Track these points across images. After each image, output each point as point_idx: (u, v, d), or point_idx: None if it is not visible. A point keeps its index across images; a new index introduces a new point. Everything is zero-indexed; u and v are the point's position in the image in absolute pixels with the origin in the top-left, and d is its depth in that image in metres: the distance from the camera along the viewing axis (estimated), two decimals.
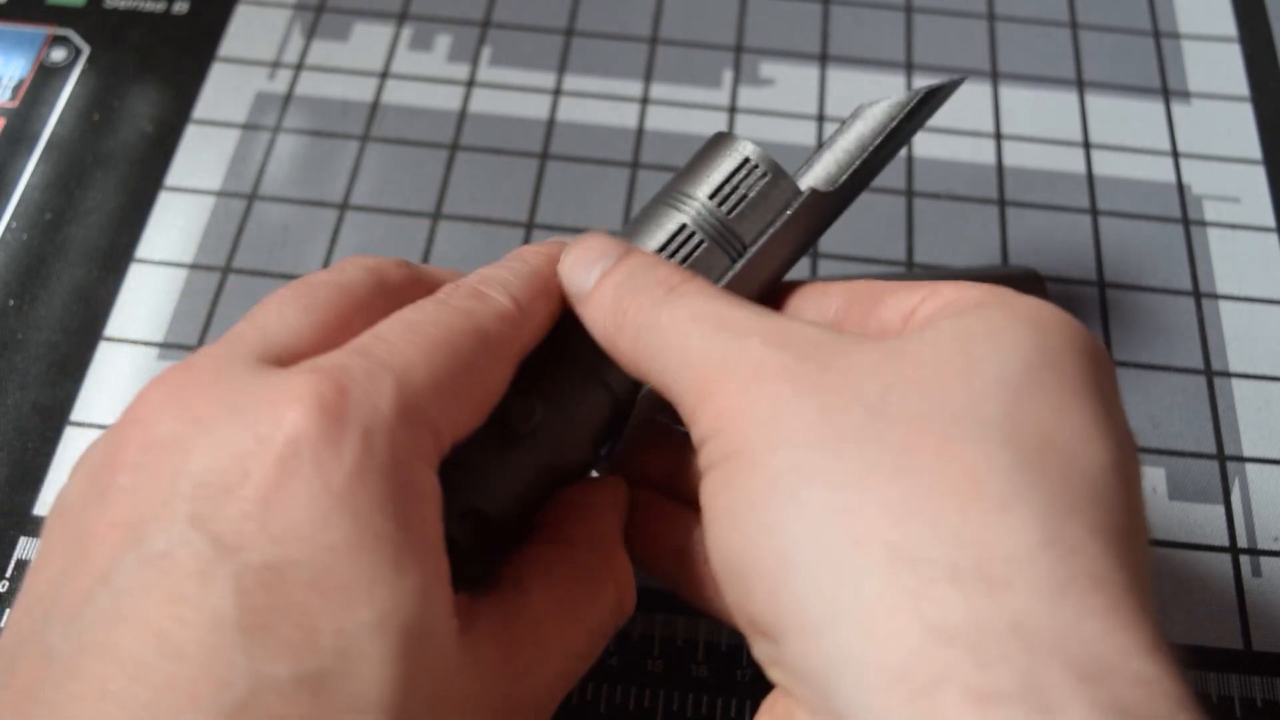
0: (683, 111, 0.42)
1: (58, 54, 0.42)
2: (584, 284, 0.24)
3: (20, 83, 0.41)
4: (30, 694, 0.18)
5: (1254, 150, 0.41)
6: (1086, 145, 0.41)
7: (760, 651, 0.20)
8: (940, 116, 0.42)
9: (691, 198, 0.26)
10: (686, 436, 0.25)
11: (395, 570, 0.19)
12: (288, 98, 0.42)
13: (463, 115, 0.41)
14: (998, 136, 0.41)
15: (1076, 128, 0.42)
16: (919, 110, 0.27)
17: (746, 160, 0.26)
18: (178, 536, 0.18)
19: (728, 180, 0.26)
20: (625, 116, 0.41)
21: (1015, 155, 0.41)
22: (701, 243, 0.25)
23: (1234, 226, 0.39)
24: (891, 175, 0.40)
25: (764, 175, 0.26)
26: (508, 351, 0.23)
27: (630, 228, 0.26)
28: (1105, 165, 0.41)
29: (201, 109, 0.41)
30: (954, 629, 0.16)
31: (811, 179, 0.27)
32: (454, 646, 0.20)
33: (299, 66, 0.42)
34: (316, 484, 0.19)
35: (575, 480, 0.26)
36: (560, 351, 0.25)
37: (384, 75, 0.42)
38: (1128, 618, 0.17)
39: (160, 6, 0.44)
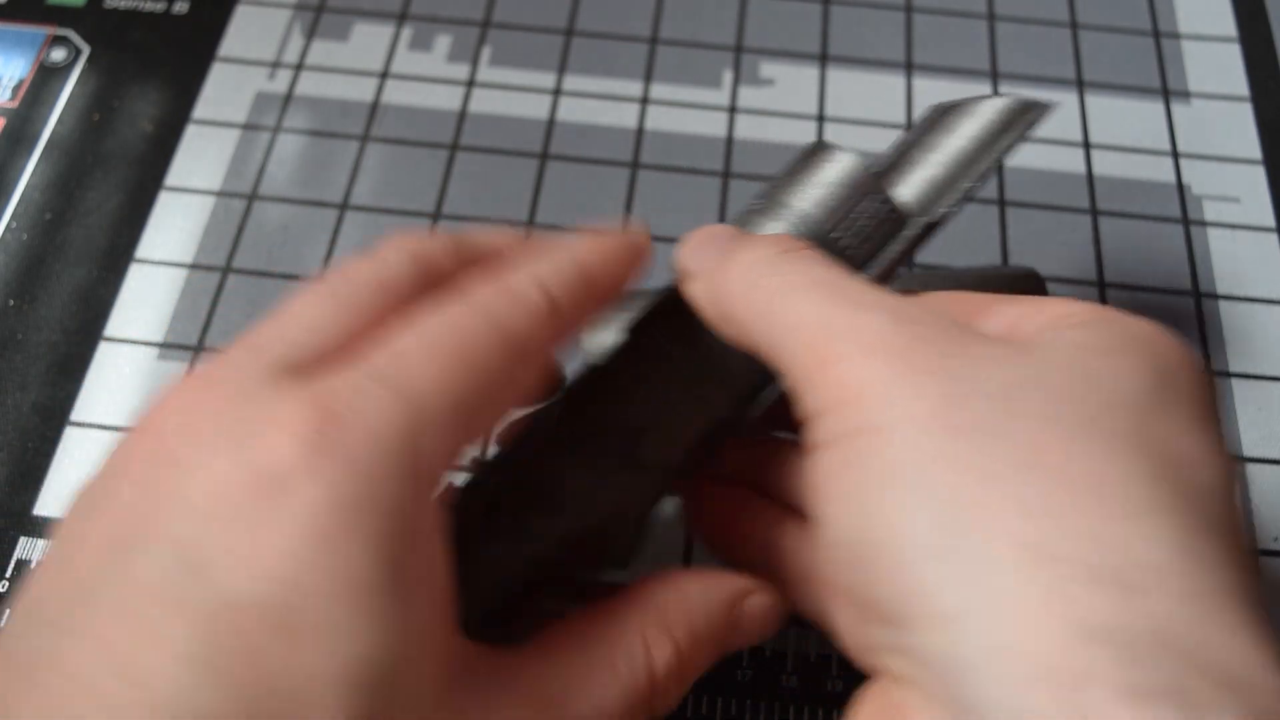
0: (683, 111, 0.42)
1: (58, 54, 0.42)
2: (702, 263, 0.24)
3: (20, 83, 0.41)
4: None
5: (1254, 150, 0.41)
6: (1086, 145, 0.41)
7: (874, 637, 0.20)
8: None
9: (810, 221, 0.25)
10: (771, 439, 0.25)
11: (372, 618, 0.18)
12: (288, 98, 0.42)
13: (463, 115, 0.41)
14: None
15: (1076, 128, 0.42)
16: (1026, 132, 0.26)
17: (874, 196, 0.25)
18: (157, 561, 0.18)
19: (849, 210, 0.25)
20: (625, 116, 0.41)
21: (1015, 155, 0.41)
22: None
23: (1234, 226, 0.39)
24: None
25: (883, 205, 0.25)
26: (537, 354, 0.22)
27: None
28: (1105, 165, 0.41)
29: (201, 109, 0.41)
30: (1098, 628, 0.16)
31: (916, 201, 0.26)
32: (432, 699, 0.19)
33: (299, 66, 0.42)
34: (299, 520, 0.18)
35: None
36: (677, 386, 0.25)
37: (384, 75, 0.42)
38: (1261, 634, 0.17)
39: (160, 6, 0.44)
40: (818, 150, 0.26)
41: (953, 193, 0.26)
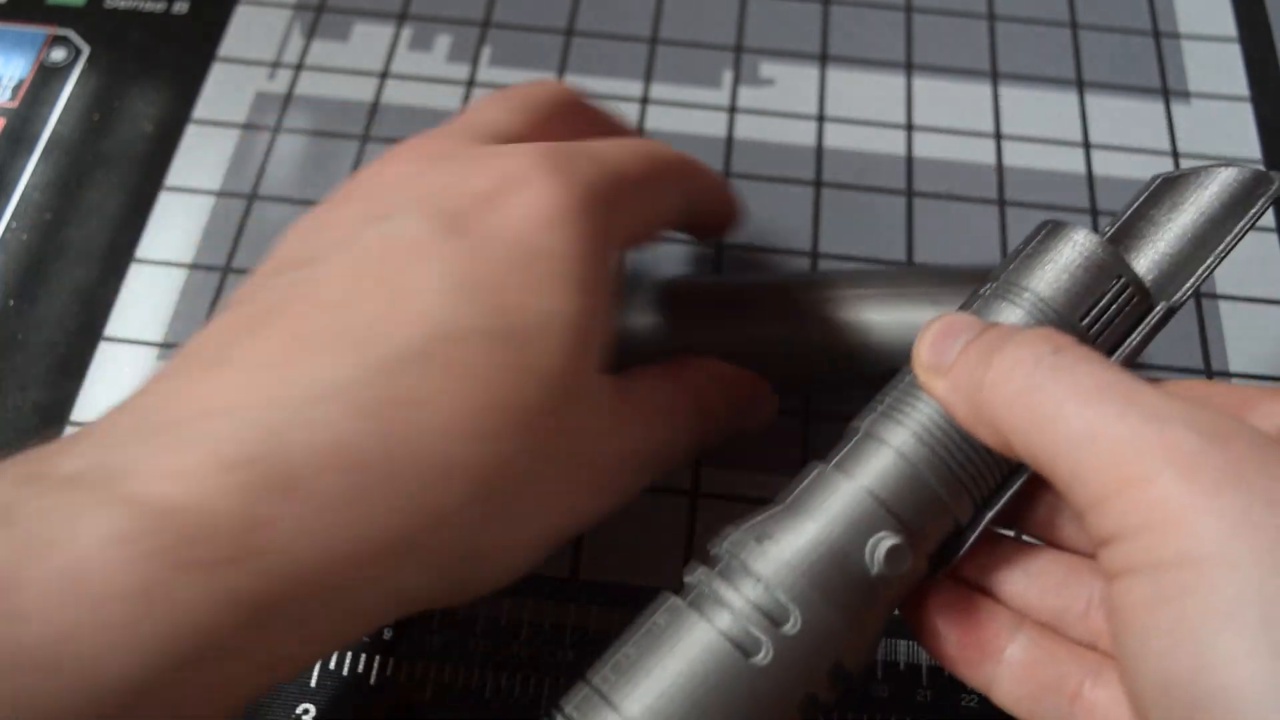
0: (683, 111, 0.42)
1: (58, 54, 0.42)
2: (946, 357, 0.23)
3: (20, 83, 0.41)
4: (249, 325, 0.22)
5: (1254, 150, 0.41)
6: (1086, 145, 0.41)
7: None
8: (940, 117, 0.42)
9: (1055, 307, 0.24)
10: (1006, 539, 0.25)
11: (583, 290, 0.23)
12: (288, 98, 0.42)
13: None
14: (998, 136, 0.41)
15: (1076, 128, 0.42)
16: (1266, 205, 0.24)
17: (1121, 280, 0.24)
18: (413, 218, 0.23)
19: (1097, 296, 0.24)
20: (625, 116, 0.41)
21: (1015, 155, 0.41)
22: None
23: None
24: (891, 175, 0.40)
25: (1132, 296, 0.24)
26: (680, 191, 0.28)
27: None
28: (1105, 165, 0.41)
29: (201, 109, 0.41)
30: None
31: (1155, 282, 0.24)
32: (597, 378, 0.24)
33: (299, 66, 0.42)
34: (536, 204, 0.23)
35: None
36: (915, 485, 0.23)
37: (384, 75, 0.42)
38: None
39: (160, 6, 0.44)
40: (1052, 229, 0.25)
41: (1195, 272, 0.24)
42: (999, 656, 0.24)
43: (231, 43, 0.43)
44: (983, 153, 0.41)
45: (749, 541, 0.23)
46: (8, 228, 0.38)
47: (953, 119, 0.42)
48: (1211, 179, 0.25)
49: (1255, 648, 0.17)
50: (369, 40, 0.43)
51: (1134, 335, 0.24)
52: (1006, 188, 0.40)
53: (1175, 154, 0.41)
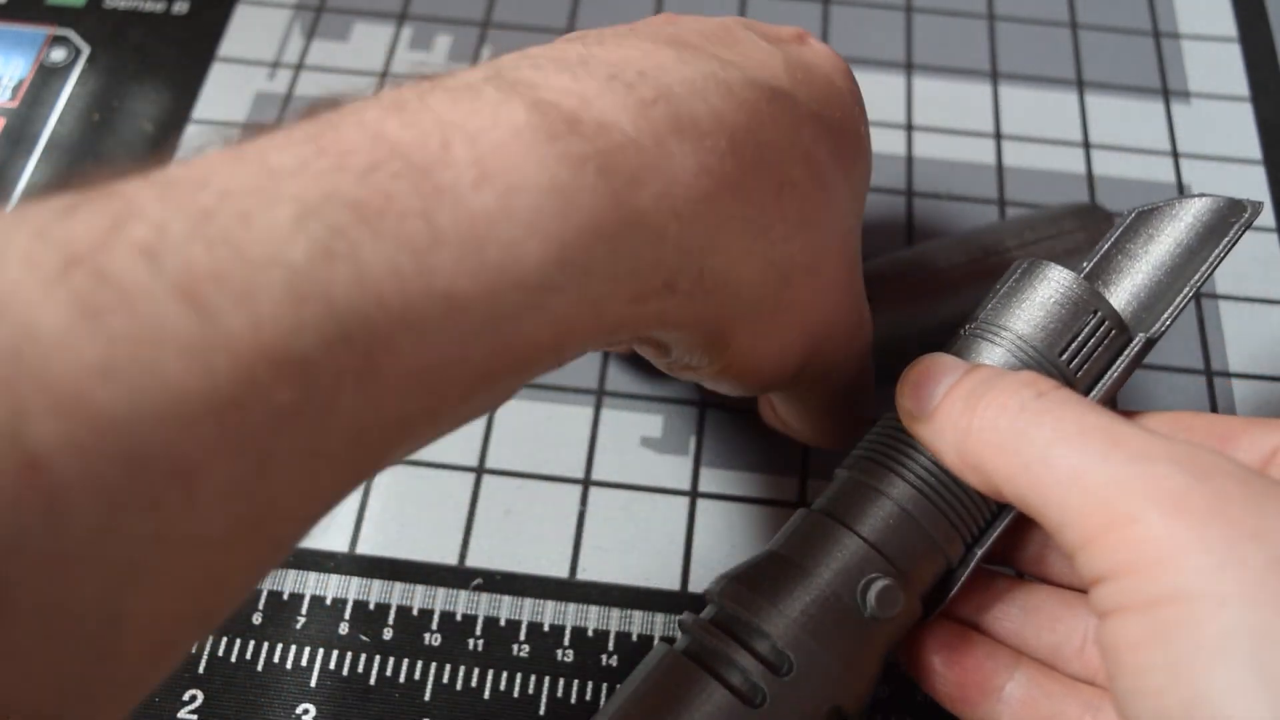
0: None
1: (58, 54, 0.42)
2: (927, 404, 0.23)
3: (20, 83, 0.41)
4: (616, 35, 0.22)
5: (1254, 150, 0.41)
6: (1086, 145, 0.41)
7: None
8: (940, 116, 0.42)
9: (1035, 345, 0.24)
10: (995, 573, 0.25)
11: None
12: (288, 98, 0.42)
13: None
14: (998, 136, 0.41)
15: (1076, 128, 0.42)
16: (1240, 233, 0.25)
17: (1098, 315, 0.24)
18: (701, 56, 0.22)
19: (1075, 332, 0.24)
20: None
21: (1015, 155, 0.41)
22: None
23: None
24: (891, 175, 0.40)
25: (1110, 330, 0.24)
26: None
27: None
28: (1105, 165, 0.41)
29: (201, 109, 0.41)
30: None
31: (1133, 315, 0.25)
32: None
33: (299, 66, 0.42)
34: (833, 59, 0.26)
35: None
36: (904, 528, 0.24)
37: (384, 75, 0.42)
38: None
39: (160, 6, 0.44)
40: (1029, 267, 0.25)
41: (1173, 303, 0.25)
42: (998, 695, 0.24)
43: (231, 43, 0.43)
44: (983, 153, 0.41)
45: (744, 592, 0.23)
46: None
47: (953, 119, 0.42)
48: (1185, 210, 0.25)
49: (1246, 683, 0.17)
50: (369, 40, 0.43)
51: (1114, 368, 0.24)
52: (1006, 188, 0.40)
53: (1175, 154, 0.41)
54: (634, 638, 0.30)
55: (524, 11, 0.44)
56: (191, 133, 0.40)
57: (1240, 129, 0.42)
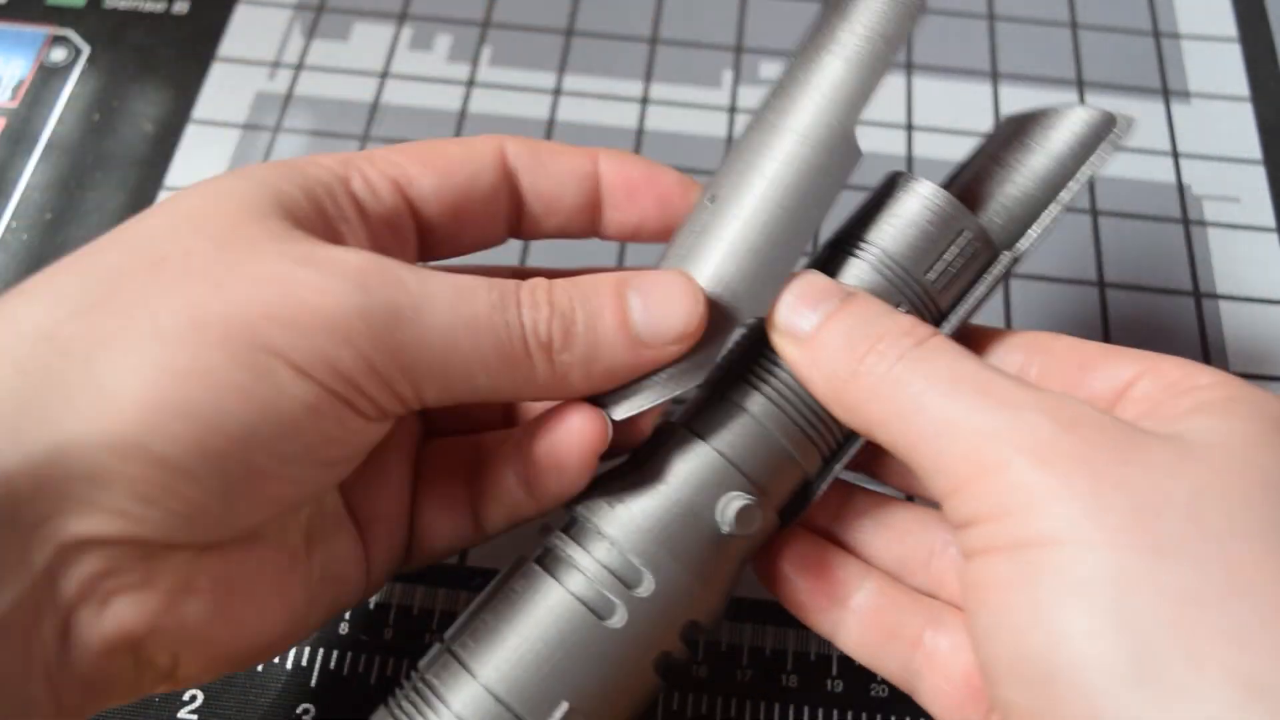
0: (683, 111, 0.42)
1: (58, 54, 0.42)
2: (804, 324, 0.23)
3: (20, 83, 0.41)
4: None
5: (1254, 150, 0.41)
6: None
7: None
8: (940, 116, 0.42)
9: (902, 262, 0.24)
10: (854, 488, 0.25)
11: None
12: (288, 98, 0.42)
13: (463, 115, 0.41)
14: None
15: None
16: (1113, 149, 0.25)
17: (965, 233, 0.24)
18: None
19: (941, 250, 0.24)
20: (625, 116, 0.41)
21: None
22: (906, 312, 0.24)
23: (1234, 226, 0.39)
24: None
25: (977, 246, 0.24)
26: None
27: (765, 245, 0.24)
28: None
29: (201, 109, 0.41)
30: None
31: (1003, 229, 0.25)
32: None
33: (299, 66, 0.42)
34: None
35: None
36: (764, 444, 0.24)
37: (384, 75, 0.42)
38: None
39: (160, 6, 0.44)
40: (897, 181, 0.25)
41: (1040, 218, 0.24)
42: (846, 604, 0.25)
43: (231, 43, 0.43)
44: None
45: (601, 504, 0.23)
46: (8, 228, 0.38)
47: (952, 119, 0.42)
48: (1059, 120, 0.25)
49: (1106, 626, 0.18)
50: (369, 40, 0.43)
51: (978, 285, 0.24)
52: None
53: (1175, 154, 0.41)
54: None
55: (524, 11, 0.44)
56: (191, 133, 0.40)
57: (1240, 129, 0.42)
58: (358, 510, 0.25)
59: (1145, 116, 0.42)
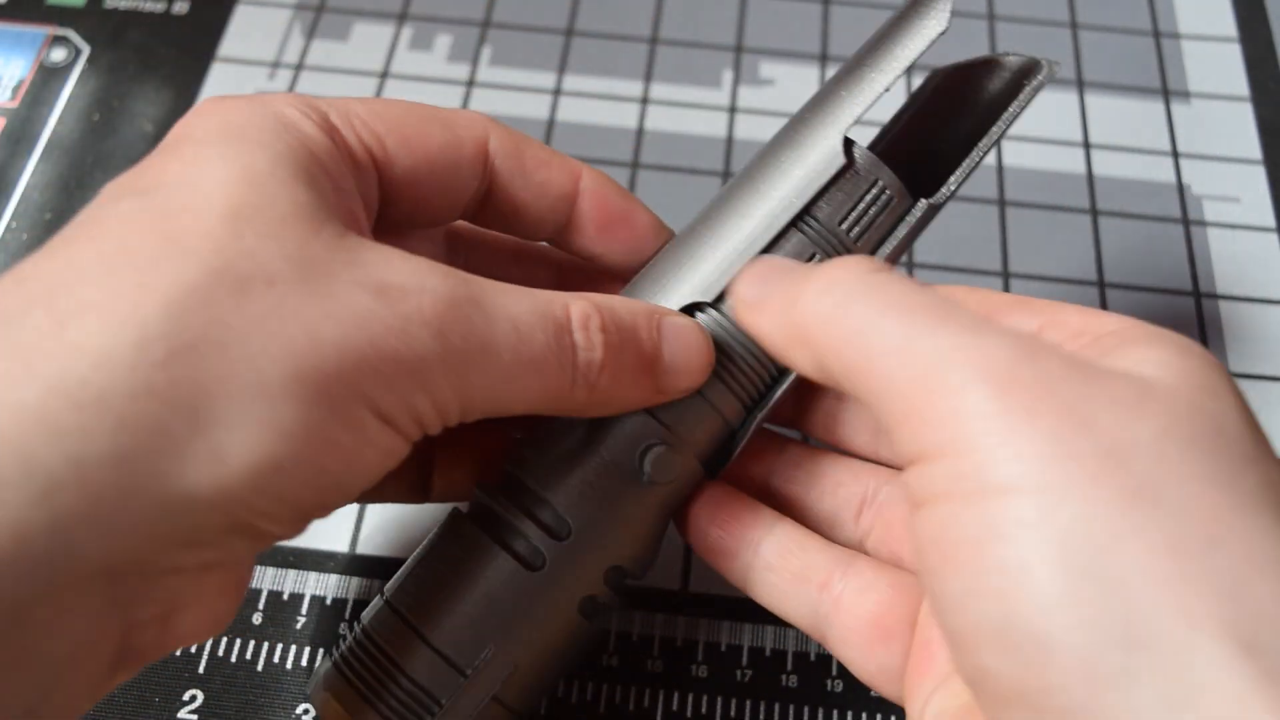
0: (683, 111, 0.42)
1: (58, 54, 0.42)
2: (764, 291, 0.23)
3: (20, 83, 0.41)
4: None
5: (1254, 150, 0.41)
6: (1086, 145, 0.41)
7: (993, 713, 0.18)
8: None
9: (819, 223, 0.24)
10: (788, 440, 0.26)
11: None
12: None
13: None
14: None
15: (1076, 128, 0.42)
16: (1033, 96, 0.25)
17: (879, 184, 0.25)
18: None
19: (856, 201, 0.25)
20: (625, 116, 0.41)
21: (1016, 155, 0.41)
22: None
23: (1234, 226, 0.39)
24: None
25: (890, 197, 0.25)
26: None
27: (699, 241, 0.25)
28: (1105, 165, 0.41)
29: None
30: None
31: (926, 178, 0.25)
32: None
33: (299, 66, 0.42)
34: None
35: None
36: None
37: (384, 75, 0.42)
38: None
39: (160, 6, 0.44)
40: (842, 155, 0.25)
41: (963, 166, 0.25)
42: (755, 549, 0.25)
43: (231, 43, 0.43)
44: None
45: (529, 459, 0.25)
46: (8, 228, 0.38)
47: None
48: (985, 70, 0.26)
49: (1089, 584, 0.17)
50: (369, 40, 0.43)
51: (894, 235, 0.25)
52: (1007, 188, 0.40)
53: (1175, 154, 0.41)
54: (634, 637, 0.30)
55: (524, 11, 0.44)
56: None
57: (1240, 129, 0.42)
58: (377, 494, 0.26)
59: (1145, 116, 0.42)
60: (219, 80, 0.42)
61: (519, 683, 0.24)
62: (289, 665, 0.29)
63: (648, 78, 0.42)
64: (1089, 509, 0.17)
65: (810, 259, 0.24)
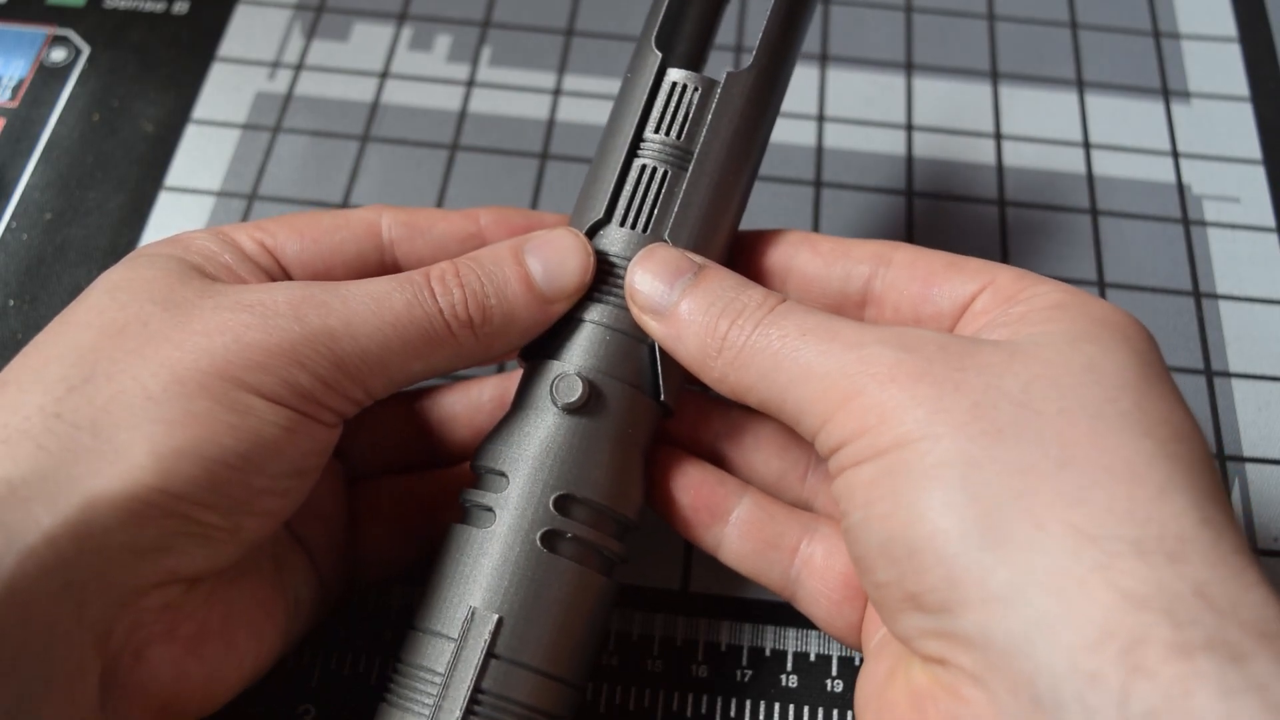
0: None
1: (58, 54, 0.42)
2: (663, 301, 0.25)
3: (20, 83, 0.41)
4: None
5: (1254, 150, 0.41)
6: (1086, 145, 0.41)
7: (914, 625, 0.21)
8: (940, 116, 0.42)
9: (643, 139, 0.27)
10: (733, 406, 0.28)
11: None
12: (288, 98, 0.42)
13: (463, 115, 0.41)
14: (998, 136, 0.41)
15: (1076, 128, 0.42)
16: None
17: (675, 85, 0.27)
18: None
19: (665, 110, 0.27)
20: None
21: (1015, 155, 0.41)
22: (665, 173, 0.27)
23: (1234, 226, 0.39)
24: (891, 175, 0.40)
25: (694, 90, 0.27)
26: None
27: (589, 178, 0.28)
28: (1105, 165, 0.41)
29: (201, 109, 0.41)
30: (1145, 595, 0.18)
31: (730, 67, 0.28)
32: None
33: (299, 66, 0.42)
34: None
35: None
36: (595, 334, 0.26)
37: (384, 75, 0.42)
38: (1272, 589, 0.19)
39: (160, 6, 0.44)
40: (641, 69, 0.28)
41: (759, 48, 0.28)
42: (726, 518, 0.27)
43: (231, 43, 0.43)
44: (983, 153, 0.41)
45: (483, 446, 0.27)
46: (8, 228, 0.38)
47: (953, 119, 0.42)
48: None
49: (955, 499, 0.20)
50: (369, 40, 0.43)
51: (708, 114, 0.27)
52: (1007, 188, 0.40)
53: (1175, 154, 0.41)
54: (634, 637, 0.30)
55: (524, 11, 0.44)
56: (191, 133, 0.40)
57: (1240, 129, 0.42)
58: (305, 542, 0.28)
59: (1145, 116, 0.42)
60: (219, 80, 0.42)
61: (518, 634, 0.24)
62: (289, 665, 0.29)
63: None
64: (957, 445, 0.21)
65: (652, 172, 0.27)
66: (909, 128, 0.41)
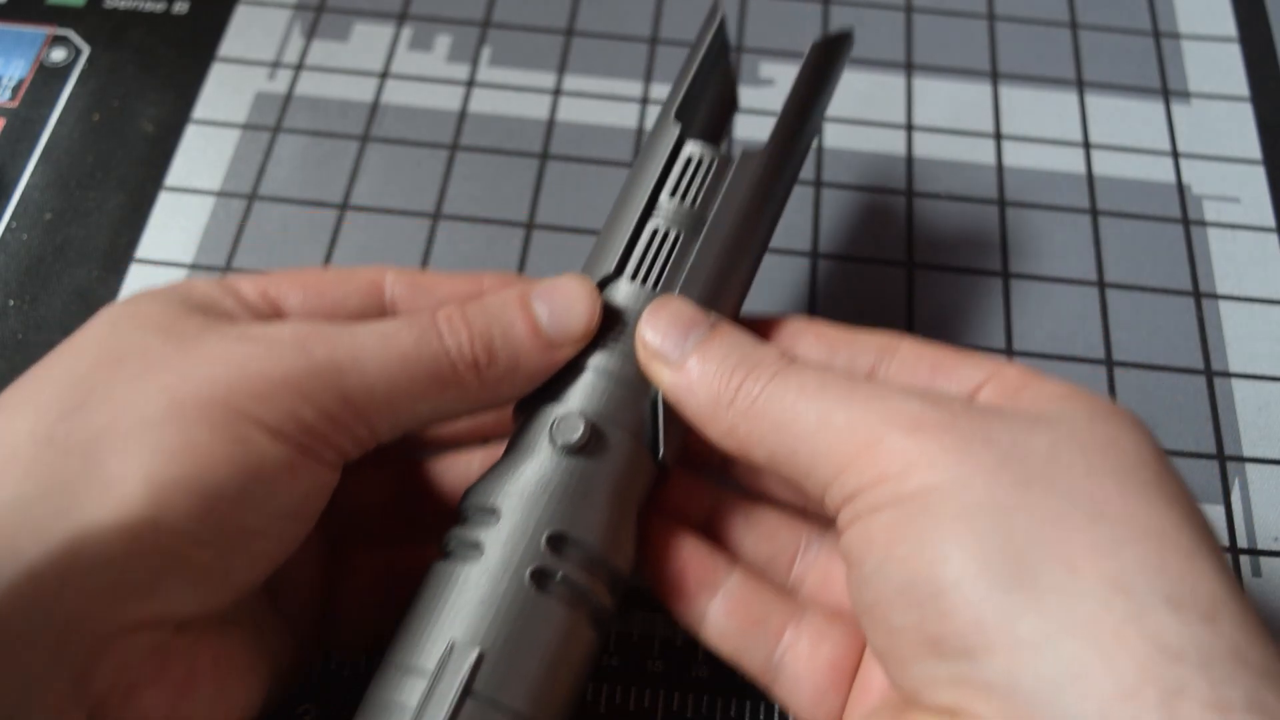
0: None
1: (58, 54, 0.42)
2: (676, 350, 0.25)
3: (20, 83, 0.41)
4: None
5: (1254, 150, 0.41)
6: (1086, 145, 0.41)
7: (929, 673, 0.20)
8: (940, 117, 0.42)
9: (657, 203, 0.28)
10: (726, 489, 0.27)
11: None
12: (288, 98, 0.42)
13: (463, 115, 0.41)
14: (998, 136, 0.41)
15: (1076, 128, 0.42)
16: (822, 67, 0.29)
17: (692, 157, 0.28)
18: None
19: (680, 178, 0.28)
20: (625, 116, 0.41)
21: (1015, 155, 0.41)
22: (679, 235, 0.27)
23: (1234, 226, 0.39)
24: (892, 175, 0.40)
25: (711, 163, 0.28)
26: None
27: (602, 236, 0.28)
28: (1105, 165, 0.41)
29: (201, 109, 0.41)
30: (1181, 649, 0.18)
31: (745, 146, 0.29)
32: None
33: (299, 66, 0.42)
34: None
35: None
36: (597, 381, 0.26)
37: (384, 75, 0.42)
38: None
39: (160, 6, 0.44)
40: (661, 140, 0.28)
41: (774, 130, 0.28)
42: (715, 591, 0.26)
43: (231, 43, 0.43)
44: (983, 153, 0.41)
45: (475, 486, 0.26)
46: (8, 228, 0.38)
47: (952, 119, 0.42)
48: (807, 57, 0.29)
49: (984, 542, 0.20)
50: (369, 40, 0.43)
51: (721, 188, 0.28)
52: (1006, 188, 0.40)
53: (1175, 154, 0.41)
54: (634, 637, 0.30)
55: (524, 12, 0.44)
56: (191, 133, 0.41)
57: (1240, 129, 0.42)
58: (283, 606, 0.27)
59: (1145, 116, 0.42)
60: (219, 80, 0.42)
61: (499, 672, 0.23)
62: None
63: (648, 78, 0.42)
64: (987, 490, 0.20)
65: (666, 235, 0.27)
66: (909, 128, 0.41)
